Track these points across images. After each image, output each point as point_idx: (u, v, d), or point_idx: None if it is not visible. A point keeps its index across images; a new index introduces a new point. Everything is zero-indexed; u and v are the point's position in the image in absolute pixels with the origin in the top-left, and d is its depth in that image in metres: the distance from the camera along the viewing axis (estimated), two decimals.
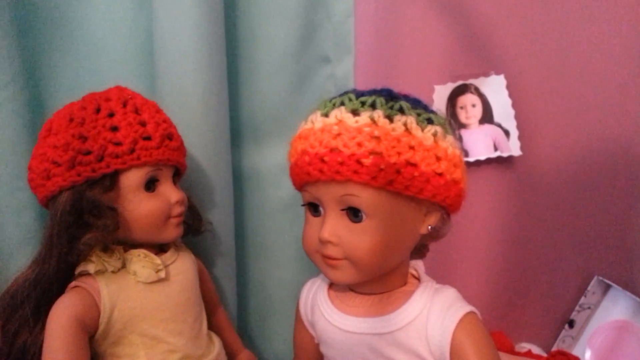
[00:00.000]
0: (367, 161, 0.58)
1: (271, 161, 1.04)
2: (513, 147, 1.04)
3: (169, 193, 0.76)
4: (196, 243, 0.91)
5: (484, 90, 1.06)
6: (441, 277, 1.07)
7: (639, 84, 1.03)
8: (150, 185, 0.75)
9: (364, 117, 0.60)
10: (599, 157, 1.06)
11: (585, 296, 1.11)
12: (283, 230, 1.06)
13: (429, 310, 0.64)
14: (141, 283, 0.74)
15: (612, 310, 1.10)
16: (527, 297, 1.14)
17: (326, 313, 0.71)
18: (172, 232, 0.77)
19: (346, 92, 0.65)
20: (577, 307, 1.12)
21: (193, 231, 0.88)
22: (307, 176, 0.62)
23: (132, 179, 0.72)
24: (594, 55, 1.03)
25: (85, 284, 0.71)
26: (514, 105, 1.05)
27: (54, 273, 0.71)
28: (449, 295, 0.66)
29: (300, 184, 0.66)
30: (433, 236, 0.68)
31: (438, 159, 0.61)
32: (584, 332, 1.13)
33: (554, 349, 1.14)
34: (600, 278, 1.10)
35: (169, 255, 0.80)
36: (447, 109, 1.06)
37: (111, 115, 0.72)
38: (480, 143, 1.06)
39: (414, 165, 0.59)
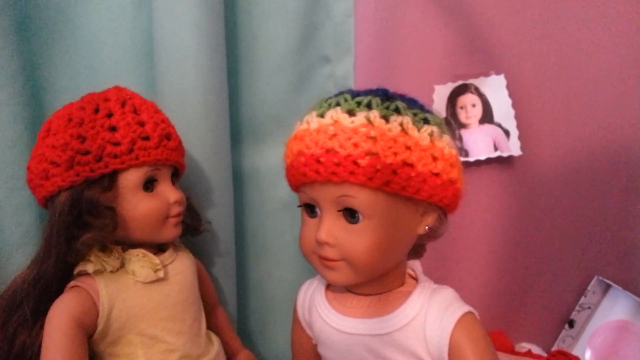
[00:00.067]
0: (363, 162, 0.58)
1: (271, 161, 1.04)
2: (513, 147, 1.04)
3: (168, 193, 0.76)
4: (196, 243, 0.91)
5: (484, 90, 1.06)
6: (441, 277, 1.07)
7: (639, 84, 1.03)
8: (149, 185, 0.75)
9: (360, 117, 0.60)
10: (598, 157, 1.06)
11: (585, 296, 1.11)
12: (283, 230, 1.06)
13: (427, 311, 0.64)
14: (140, 283, 0.74)
15: (612, 310, 1.10)
16: (527, 297, 1.14)
17: (324, 314, 0.70)
18: (171, 232, 0.77)
19: (342, 92, 0.65)
20: (577, 307, 1.12)
21: (192, 231, 0.88)
22: (303, 177, 0.62)
23: (130, 179, 0.73)
24: (594, 55, 1.03)
25: (83, 284, 0.71)
26: (514, 105, 1.05)
27: (53, 273, 0.71)
28: (447, 296, 0.66)
29: (297, 185, 0.66)
30: (430, 236, 0.68)
31: (434, 159, 0.61)
32: (584, 332, 1.13)
33: (554, 349, 1.14)
34: (600, 278, 1.10)
35: (167, 255, 0.80)
36: (447, 109, 1.06)
37: (110, 115, 0.72)
38: (480, 143, 1.06)
39: (411, 165, 0.59)
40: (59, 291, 0.72)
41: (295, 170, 0.63)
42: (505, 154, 1.05)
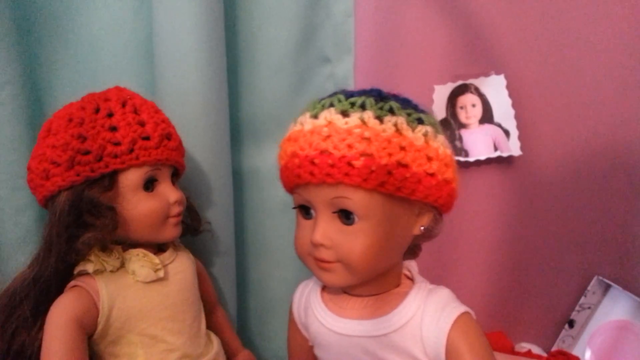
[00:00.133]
0: (357, 163, 0.57)
1: (271, 161, 1.03)
2: (513, 147, 1.04)
3: (168, 193, 0.76)
4: (196, 243, 0.91)
5: (484, 90, 1.06)
6: (441, 277, 1.08)
7: (639, 83, 1.03)
8: (149, 185, 0.75)
9: (354, 118, 0.59)
10: (599, 157, 1.06)
11: (585, 296, 1.11)
12: (283, 230, 1.06)
13: (424, 312, 0.64)
14: (140, 282, 0.74)
15: (612, 310, 1.10)
16: (527, 297, 1.14)
17: (320, 316, 0.70)
18: (171, 231, 0.78)
19: (335, 93, 0.64)
20: (577, 307, 1.12)
21: (192, 231, 0.88)
22: (297, 179, 0.62)
23: (130, 179, 0.73)
24: (594, 55, 1.03)
25: (84, 284, 0.71)
26: (514, 105, 1.05)
27: (53, 273, 0.71)
28: (443, 296, 0.65)
29: (291, 187, 0.65)
30: (426, 236, 0.68)
31: (429, 159, 0.61)
32: (584, 332, 1.13)
33: (554, 349, 1.14)
34: (600, 278, 1.10)
35: (167, 255, 0.80)
36: (447, 109, 1.06)
37: (110, 115, 0.73)
38: (480, 143, 1.06)
39: (405, 166, 0.59)
40: (59, 291, 0.72)
41: (290, 171, 0.63)
42: (505, 154, 1.04)
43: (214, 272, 0.97)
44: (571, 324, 1.13)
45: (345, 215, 0.61)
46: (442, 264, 1.10)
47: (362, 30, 1.02)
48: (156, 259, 0.76)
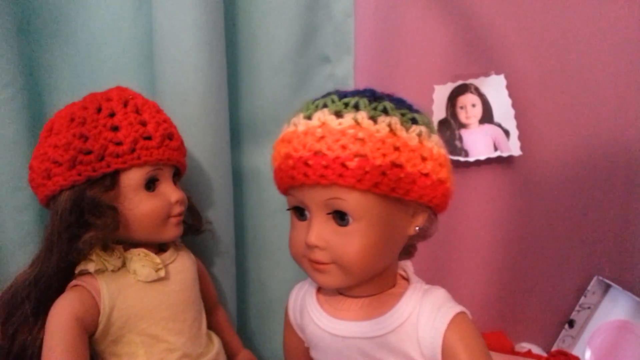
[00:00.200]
0: (351, 164, 0.57)
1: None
2: (513, 147, 1.04)
3: (169, 192, 0.76)
4: (196, 243, 0.91)
5: (484, 90, 1.06)
6: (441, 276, 1.08)
7: (639, 84, 1.03)
8: (151, 184, 0.75)
9: (348, 118, 0.59)
10: (598, 157, 1.06)
11: (585, 296, 1.11)
12: (283, 230, 1.04)
13: (419, 312, 0.63)
14: (141, 282, 0.74)
15: (612, 310, 1.10)
16: (527, 297, 1.14)
17: (315, 317, 0.70)
18: (172, 231, 0.78)
19: (329, 93, 0.64)
20: (577, 307, 1.12)
21: (193, 231, 0.88)
22: (291, 180, 0.61)
23: (132, 179, 0.73)
24: (594, 55, 1.03)
25: (85, 283, 0.71)
26: (514, 105, 1.05)
27: (54, 272, 0.71)
28: (439, 296, 0.65)
29: (285, 188, 0.65)
30: (421, 236, 0.67)
31: (423, 159, 0.60)
32: (584, 332, 1.13)
33: (554, 349, 1.14)
34: (600, 278, 1.10)
35: (168, 255, 0.80)
36: (447, 109, 1.06)
37: (112, 115, 0.73)
38: (480, 143, 1.06)
39: (400, 166, 0.58)
40: (60, 290, 0.72)
41: (284, 173, 0.62)
42: (505, 154, 1.05)
43: (214, 271, 0.97)
44: (571, 324, 1.13)
45: (340, 217, 0.60)
46: (442, 264, 1.10)
47: (362, 30, 1.02)
48: (157, 259, 0.76)
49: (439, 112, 1.06)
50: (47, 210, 0.75)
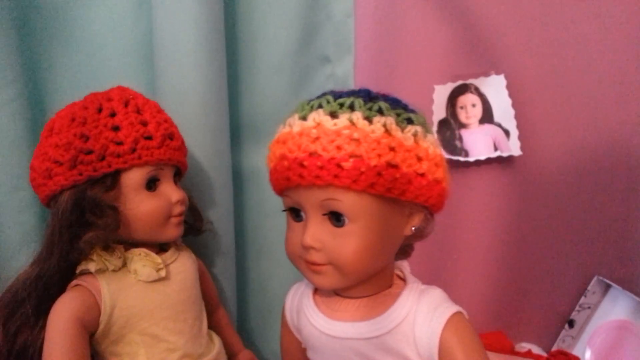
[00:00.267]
0: (347, 165, 0.57)
1: None
2: (513, 147, 1.04)
3: (170, 192, 0.76)
4: (196, 243, 0.91)
5: (484, 90, 1.06)
6: (441, 276, 1.08)
7: (639, 84, 1.03)
8: (151, 184, 0.75)
9: (343, 119, 0.58)
10: (599, 157, 1.06)
11: (585, 296, 1.11)
12: (283, 230, 1.04)
13: (416, 312, 0.63)
14: (142, 282, 0.74)
15: (612, 310, 1.10)
16: (527, 297, 1.14)
17: (312, 318, 0.69)
18: (173, 231, 0.77)
19: (324, 94, 0.63)
20: (577, 307, 1.12)
21: (194, 231, 0.89)
22: (286, 181, 0.61)
23: (133, 179, 0.73)
24: (594, 55, 1.03)
25: (86, 283, 0.71)
26: (514, 105, 1.05)
27: (55, 272, 0.71)
28: (436, 296, 0.65)
29: (281, 189, 0.65)
30: (417, 236, 0.67)
31: (419, 159, 0.60)
32: (584, 332, 1.13)
33: (554, 349, 1.14)
34: (600, 278, 1.10)
35: (169, 255, 0.80)
36: (447, 109, 1.06)
37: (113, 115, 0.73)
38: (480, 143, 1.06)
39: (395, 166, 0.58)
40: (61, 290, 0.72)
41: (279, 174, 0.62)
42: (505, 154, 1.05)
43: (214, 271, 0.97)
44: (571, 324, 1.14)
45: (336, 217, 0.60)
46: (442, 264, 1.10)
47: (362, 30, 1.02)
48: (158, 259, 0.76)
49: (439, 112, 1.06)
50: (48, 210, 0.75)
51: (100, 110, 0.73)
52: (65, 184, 0.70)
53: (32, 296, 0.70)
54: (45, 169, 0.71)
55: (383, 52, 1.04)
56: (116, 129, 0.72)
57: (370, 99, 0.61)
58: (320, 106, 0.61)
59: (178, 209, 0.77)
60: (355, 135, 0.57)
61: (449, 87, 1.06)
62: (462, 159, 1.05)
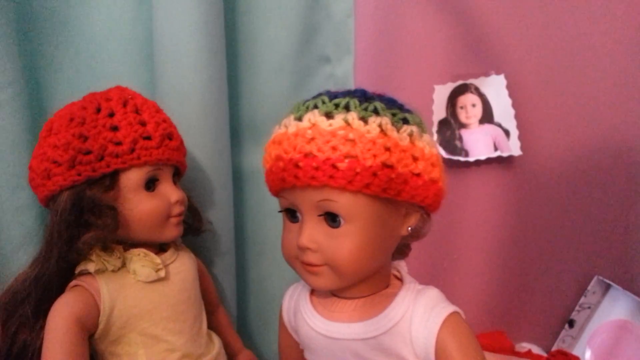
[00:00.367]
0: (342, 165, 0.57)
1: None
2: (513, 147, 1.04)
3: (169, 192, 0.76)
4: (196, 243, 0.91)
5: (484, 90, 1.06)
6: (441, 276, 1.08)
7: (639, 84, 1.03)
8: (150, 184, 0.75)
9: (338, 119, 0.58)
10: (599, 157, 1.06)
11: (585, 296, 1.11)
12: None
13: (413, 312, 0.63)
14: (141, 282, 0.74)
15: (612, 310, 1.10)
16: (527, 297, 1.14)
17: (309, 319, 0.69)
18: (172, 231, 0.77)
19: (320, 94, 0.63)
20: (577, 307, 1.12)
21: (193, 231, 0.88)
22: (282, 182, 0.61)
23: (132, 179, 0.73)
24: (594, 55, 1.03)
25: (85, 283, 0.71)
26: (514, 105, 1.05)
27: (54, 272, 0.71)
28: (432, 296, 0.65)
29: (276, 190, 0.64)
30: (414, 236, 0.67)
31: (415, 159, 0.60)
32: (584, 332, 1.13)
33: (554, 349, 1.14)
34: (600, 278, 1.10)
35: (168, 255, 0.80)
36: (447, 108, 1.06)
37: (111, 115, 0.72)
38: (480, 143, 1.06)
39: (391, 167, 0.58)
40: (60, 290, 0.72)
41: (274, 175, 0.62)
42: (505, 154, 1.05)
43: (214, 271, 0.97)
44: (571, 324, 1.13)
45: (331, 218, 0.60)
46: (442, 264, 1.10)
47: (362, 30, 1.02)
48: (157, 259, 0.76)
49: (439, 112, 1.06)
50: (48, 210, 0.75)
51: (98, 110, 0.73)
52: (64, 184, 0.70)
53: (31, 296, 0.70)
54: (44, 169, 0.71)
55: (383, 52, 1.04)
56: (115, 129, 0.72)
57: (365, 99, 0.61)
58: (315, 107, 0.61)
59: (177, 209, 0.77)
60: (351, 135, 0.57)
61: (449, 87, 1.06)
62: (462, 159, 1.05)
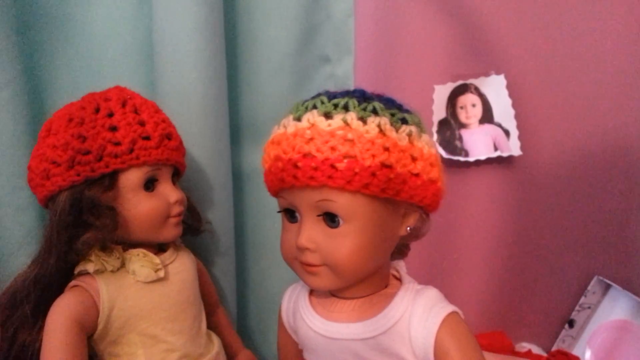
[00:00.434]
0: (341, 165, 0.56)
1: None
2: (513, 147, 1.04)
3: (168, 193, 0.76)
4: (196, 243, 0.91)
5: (484, 90, 1.06)
6: (441, 276, 1.08)
7: (639, 83, 1.03)
8: (150, 184, 0.75)
9: (337, 120, 0.58)
10: (599, 157, 1.06)
11: (585, 296, 1.11)
12: None
13: (412, 312, 0.63)
14: (140, 282, 0.74)
15: (612, 310, 1.10)
16: (527, 297, 1.14)
17: (308, 319, 0.69)
18: (171, 231, 0.77)
19: (319, 94, 0.63)
20: (577, 307, 1.12)
21: (192, 231, 0.88)
22: (281, 182, 0.61)
23: (131, 179, 0.73)
24: (594, 55, 1.03)
25: (84, 284, 0.71)
26: (514, 105, 1.05)
27: (54, 272, 0.71)
28: (431, 296, 0.65)
29: (275, 191, 0.64)
30: (413, 236, 0.67)
31: (414, 159, 0.60)
32: (584, 332, 1.13)
33: (554, 349, 1.14)
34: (600, 278, 1.10)
35: (168, 255, 0.80)
36: (447, 108, 1.06)
37: (110, 115, 0.72)
38: (480, 143, 1.06)
39: (389, 167, 0.58)
40: (59, 291, 0.72)
41: (273, 175, 0.62)
42: (505, 154, 1.05)
43: (214, 271, 0.97)
44: (571, 324, 1.13)
45: (330, 218, 0.60)
46: (442, 264, 1.10)
47: (362, 30, 1.02)
48: (156, 259, 0.76)
49: (439, 112, 1.06)
50: (47, 210, 0.75)
51: (97, 110, 0.73)
52: (62, 185, 0.70)
53: (30, 297, 0.70)
54: (43, 170, 0.71)
55: (383, 52, 1.04)
56: (114, 129, 0.72)
57: (364, 99, 0.61)
58: (314, 107, 0.61)
59: (176, 209, 0.77)
60: (350, 135, 0.57)
61: (449, 87, 1.06)
62: (462, 159, 1.05)
